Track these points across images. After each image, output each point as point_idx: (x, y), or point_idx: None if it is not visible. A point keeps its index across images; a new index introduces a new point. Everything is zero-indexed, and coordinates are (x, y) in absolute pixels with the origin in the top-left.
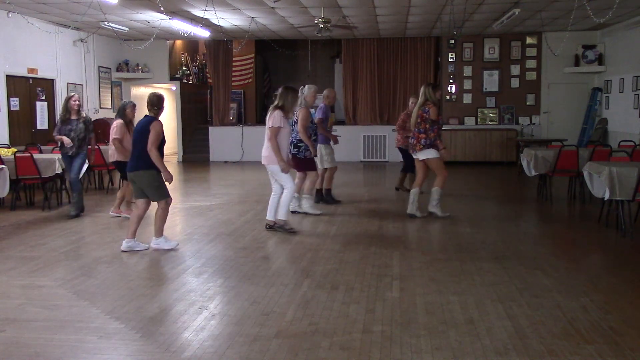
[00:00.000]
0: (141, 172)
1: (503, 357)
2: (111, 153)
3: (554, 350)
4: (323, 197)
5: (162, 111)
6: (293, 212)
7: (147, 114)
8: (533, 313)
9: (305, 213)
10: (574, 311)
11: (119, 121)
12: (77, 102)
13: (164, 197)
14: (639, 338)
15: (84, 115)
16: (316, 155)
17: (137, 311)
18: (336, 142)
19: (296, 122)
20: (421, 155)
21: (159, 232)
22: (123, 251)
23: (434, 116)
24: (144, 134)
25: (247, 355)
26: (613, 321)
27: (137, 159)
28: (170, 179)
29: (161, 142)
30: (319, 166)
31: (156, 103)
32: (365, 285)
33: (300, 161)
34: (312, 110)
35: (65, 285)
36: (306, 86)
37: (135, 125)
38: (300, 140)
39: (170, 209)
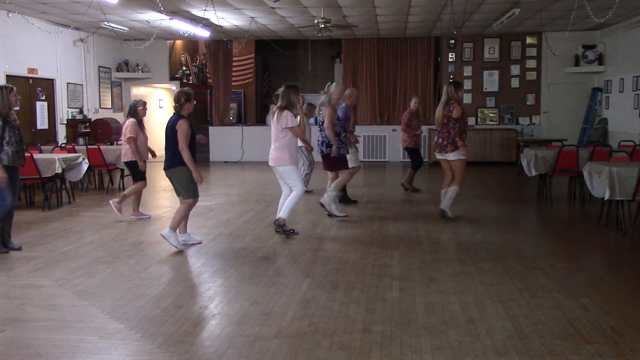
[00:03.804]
0: (178, 169)
1: (503, 357)
2: (124, 153)
3: (554, 350)
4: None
5: (188, 107)
6: (329, 215)
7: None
8: (533, 313)
9: (322, 204)
10: (574, 311)
11: (132, 120)
12: None
13: (193, 195)
14: (639, 338)
15: None
16: (347, 152)
17: (137, 311)
18: (356, 142)
19: (324, 122)
20: (451, 156)
21: (174, 226)
22: (176, 247)
23: (457, 114)
24: (173, 133)
25: (247, 355)
26: (613, 321)
27: (172, 157)
28: (200, 180)
29: (192, 139)
30: None
31: (177, 100)
32: (365, 285)
33: (333, 160)
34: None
35: (65, 285)
36: (333, 84)
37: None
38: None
39: (169, 208)
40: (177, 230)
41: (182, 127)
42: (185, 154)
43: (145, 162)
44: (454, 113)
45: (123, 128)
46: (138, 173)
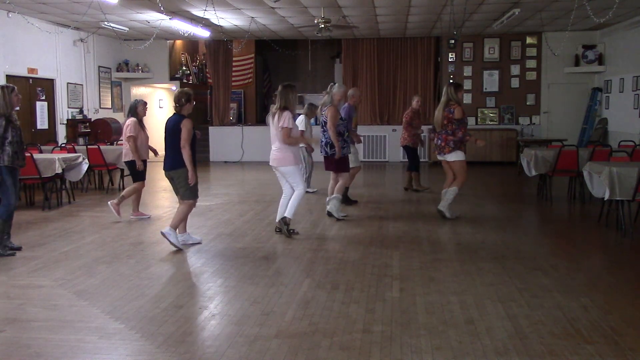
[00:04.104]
0: (180, 170)
1: (503, 357)
2: (125, 152)
3: (554, 350)
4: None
5: (188, 107)
6: (329, 215)
7: (175, 112)
8: (533, 313)
9: (329, 214)
10: (574, 311)
11: (133, 119)
12: None
13: (193, 196)
14: (639, 338)
15: None
16: (349, 152)
17: (137, 311)
18: (359, 141)
19: (326, 122)
20: (450, 157)
21: (174, 225)
22: (176, 246)
23: (458, 115)
24: (174, 132)
25: (247, 355)
26: (613, 321)
27: (174, 157)
28: (192, 180)
29: (192, 139)
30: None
31: (177, 100)
32: (365, 285)
33: (336, 160)
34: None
35: (65, 285)
36: (336, 84)
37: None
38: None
39: (169, 208)
40: (177, 230)
41: (186, 126)
42: (186, 152)
43: (145, 161)
44: (455, 114)
45: (123, 127)
46: (137, 173)
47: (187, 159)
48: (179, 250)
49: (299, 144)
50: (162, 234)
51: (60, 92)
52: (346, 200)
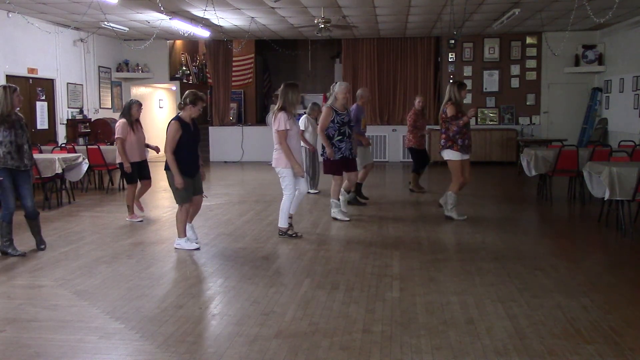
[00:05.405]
0: (167, 172)
1: (503, 357)
2: (118, 154)
3: (554, 350)
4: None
5: (191, 109)
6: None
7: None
8: (533, 313)
9: (334, 219)
10: (574, 311)
11: (122, 120)
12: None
13: (180, 201)
14: (639, 338)
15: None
16: (355, 156)
17: (137, 311)
18: (368, 144)
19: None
20: (443, 155)
21: (180, 233)
22: (193, 249)
23: (450, 112)
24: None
25: (247, 355)
26: (613, 321)
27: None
28: (179, 184)
29: (190, 140)
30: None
31: (183, 99)
32: (365, 285)
33: (325, 163)
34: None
35: (65, 285)
36: (337, 83)
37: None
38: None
39: (169, 208)
40: (179, 234)
41: (170, 128)
42: (168, 157)
43: (144, 161)
44: (447, 112)
45: (115, 128)
46: (127, 174)
47: (170, 163)
48: (179, 250)
49: (290, 153)
50: (175, 248)
51: (60, 92)
52: (355, 199)
